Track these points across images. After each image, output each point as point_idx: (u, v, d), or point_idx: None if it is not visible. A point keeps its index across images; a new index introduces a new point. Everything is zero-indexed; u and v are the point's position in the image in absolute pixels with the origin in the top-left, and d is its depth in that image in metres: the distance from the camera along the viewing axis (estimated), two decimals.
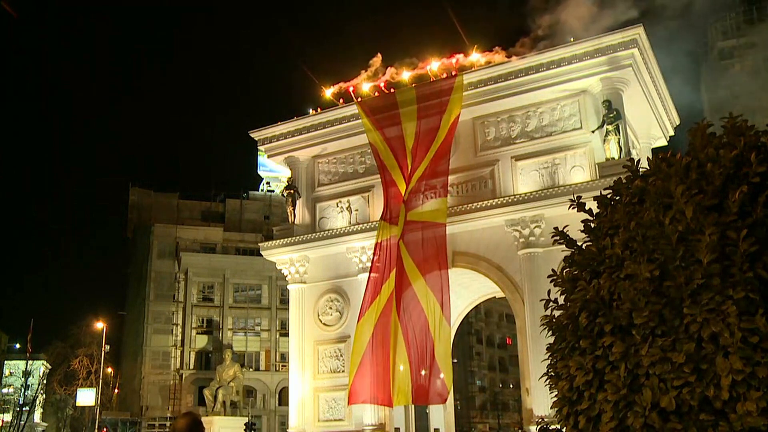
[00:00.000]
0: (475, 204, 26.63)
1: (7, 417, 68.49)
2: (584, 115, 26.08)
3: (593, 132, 25.39)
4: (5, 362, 76.40)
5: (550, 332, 6.32)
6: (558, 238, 6.71)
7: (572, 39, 26.30)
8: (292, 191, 30.84)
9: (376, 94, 29.18)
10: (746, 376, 4.63)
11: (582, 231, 6.39)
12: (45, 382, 68.97)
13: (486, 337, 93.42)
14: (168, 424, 55.60)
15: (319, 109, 30.67)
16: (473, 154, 27.81)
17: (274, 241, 30.58)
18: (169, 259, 64.51)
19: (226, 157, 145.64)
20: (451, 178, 27.30)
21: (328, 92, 30.35)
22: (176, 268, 63.99)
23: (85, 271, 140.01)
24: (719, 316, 4.78)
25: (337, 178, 30.77)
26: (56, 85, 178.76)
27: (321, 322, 29.60)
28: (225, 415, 35.94)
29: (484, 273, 27.14)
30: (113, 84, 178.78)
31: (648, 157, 7.24)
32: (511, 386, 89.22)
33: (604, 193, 6.43)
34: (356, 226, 28.89)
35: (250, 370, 60.97)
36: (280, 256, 30.48)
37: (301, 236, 29.87)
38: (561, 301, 6.27)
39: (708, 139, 5.63)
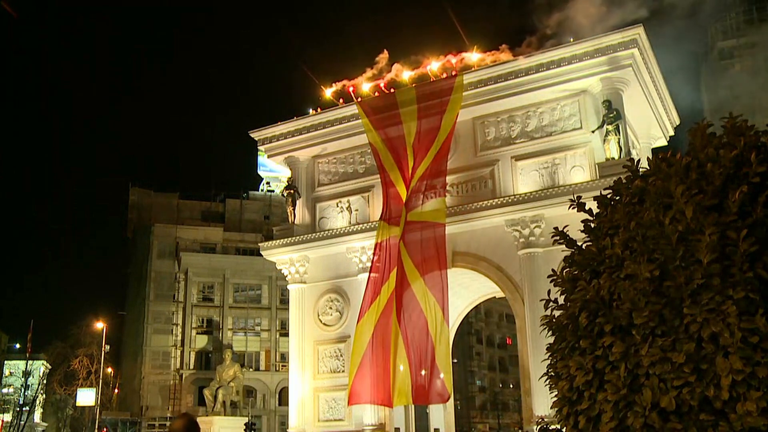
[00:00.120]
0: (475, 204, 26.62)
1: (7, 417, 68.48)
2: (584, 115, 26.09)
3: (593, 132, 25.39)
4: (5, 362, 76.40)
5: (550, 332, 6.32)
6: (558, 238, 6.71)
7: (572, 39, 26.32)
8: (292, 191, 30.84)
9: (376, 94, 29.17)
10: (746, 376, 4.63)
11: (582, 231, 6.39)
12: (45, 382, 68.96)
13: (486, 337, 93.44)
14: (168, 424, 55.59)
15: (319, 109, 30.66)
16: (473, 154, 27.81)
17: (274, 241, 30.58)
18: (169, 259, 64.53)
19: (226, 157, 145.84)
20: (451, 178, 27.30)
21: (329, 92, 30.34)
22: (176, 268, 64.01)
23: (85, 271, 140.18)
24: (719, 316, 4.78)
25: (337, 178, 30.77)
26: (56, 85, 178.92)
27: (321, 322, 29.60)
28: (225, 415, 35.89)
29: (484, 273, 27.13)
30: (113, 84, 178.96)
31: (648, 157, 7.25)
32: (511, 386, 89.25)
33: (604, 193, 6.43)
34: (356, 226, 28.89)
35: (250, 370, 60.99)
36: (280, 256, 30.48)
37: (301, 236, 29.87)
38: (561, 301, 6.27)
39: (708, 139, 5.63)
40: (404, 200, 26.89)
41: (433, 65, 28.46)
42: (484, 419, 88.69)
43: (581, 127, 26.05)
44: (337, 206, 30.16)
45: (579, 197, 6.89)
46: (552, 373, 6.21)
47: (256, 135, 31.96)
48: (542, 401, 22.40)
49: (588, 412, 5.50)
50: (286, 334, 36.26)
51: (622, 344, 5.29)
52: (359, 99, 29.21)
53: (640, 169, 6.16)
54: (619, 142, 24.60)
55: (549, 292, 6.53)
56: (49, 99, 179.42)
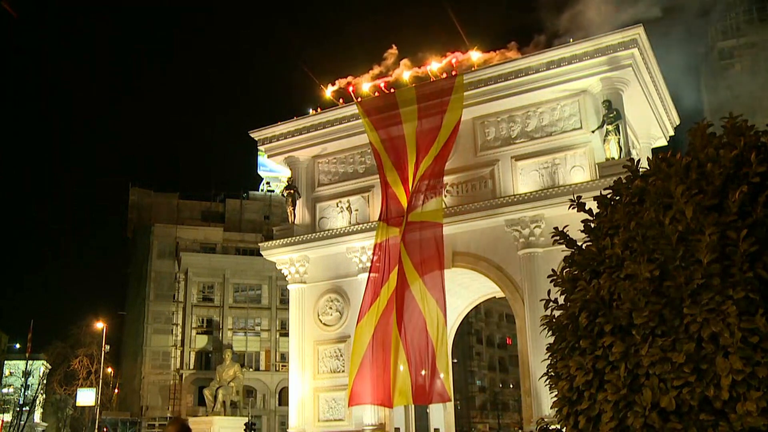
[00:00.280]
0: (475, 204, 26.62)
1: (7, 417, 68.49)
2: (584, 115, 26.08)
3: (593, 132, 25.38)
4: (5, 362, 76.41)
5: (550, 332, 6.32)
6: (558, 238, 6.71)
7: (572, 39, 26.32)
8: (292, 191, 30.83)
9: (376, 94, 29.16)
10: (746, 376, 4.63)
11: (582, 231, 6.39)
12: (45, 382, 68.98)
13: (486, 337, 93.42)
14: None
15: (319, 109, 30.65)
16: (473, 154, 27.80)
17: (274, 241, 30.57)
18: (169, 259, 64.53)
19: (226, 157, 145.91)
20: (451, 178, 27.30)
21: (329, 92, 30.33)
22: (176, 268, 64.00)
23: (85, 271, 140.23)
24: (719, 316, 4.78)
25: (337, 178, 30.76)
26: (56, 85, 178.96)
27: (321, 322, 29.60)
28: (225, 415, 35.93)
29: (483, 273, 27.12)
30: (113, 84, 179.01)
31: (648, 157, 7.25)
32: (511, 386, 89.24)
33: (604, 193, 6.44)
34: (356, 226, 28.88)
35: (250, 370, 60.99)
36: (280, 256, 30.47)
37: (301, 236, 29.86)
38: (561, 301, 6.27)
39: (708, 139, 5.63)
40: (404, 201, 26.88)
41: (434, 65, 28.46)
42: (484, 419, 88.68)
43: (581, 127, 26.04)
44: (337, 206, 30.15)
45: (579, 197, 6.89)
46: (552, 373, 6.21)
47: (256, 135, 31.96)
48: (542, 401, 22.40)
49: (588, 412, 5.50)
50: (286, 334, 36.25)
51: (622, 344, 5.29)
52: (359, 99, 29.21)
53: (640, 169, 6.16)
54: (619, 142, 24.60)
55: (549, 292, 6.53)
56: (49, 99, 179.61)
